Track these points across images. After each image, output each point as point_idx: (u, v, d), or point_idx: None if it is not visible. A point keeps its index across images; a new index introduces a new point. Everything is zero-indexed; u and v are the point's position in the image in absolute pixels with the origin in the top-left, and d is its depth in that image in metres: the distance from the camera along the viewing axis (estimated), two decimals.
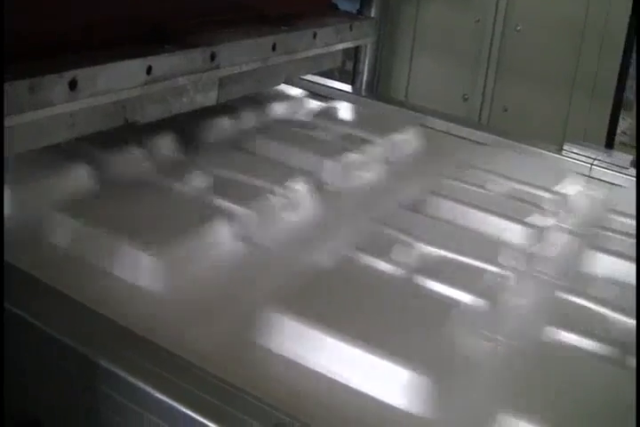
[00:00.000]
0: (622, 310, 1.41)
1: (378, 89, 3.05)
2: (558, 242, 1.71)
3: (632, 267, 1.57)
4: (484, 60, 3.07)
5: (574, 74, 2.93)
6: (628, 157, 2.21)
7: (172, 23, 1.75)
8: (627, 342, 1.32)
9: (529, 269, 1.56)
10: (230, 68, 1.84)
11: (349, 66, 2.83)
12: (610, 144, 2.83)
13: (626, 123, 3.34)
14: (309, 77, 2.58)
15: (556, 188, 1.98)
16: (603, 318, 1.40)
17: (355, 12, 2.69)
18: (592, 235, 1.75)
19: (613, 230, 1.77)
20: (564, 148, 2.24)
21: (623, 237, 1.73)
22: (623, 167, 2.17)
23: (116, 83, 1.49)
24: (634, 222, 1.81)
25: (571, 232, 1.78)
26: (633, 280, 1.53)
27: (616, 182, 2.14)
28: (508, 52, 3.05)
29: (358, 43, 2.56)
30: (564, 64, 2.93)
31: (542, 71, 2.98)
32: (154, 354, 1.12)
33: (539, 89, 3.00)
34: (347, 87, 2.66)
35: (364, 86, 2.75)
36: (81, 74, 1.39)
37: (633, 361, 1.26)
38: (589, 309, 1.42)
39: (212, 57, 1.76)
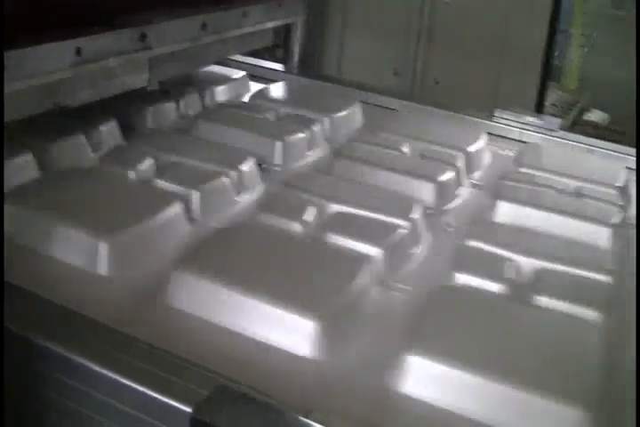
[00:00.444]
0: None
1: (310, 67, 3.07)
2: None
3: (533, 212, 1.68)
4: (415, 33, 3.11)
5: (504, 44, 2.99)
6: (557, 120, 2.29)
7: (102, 4, 1.74)
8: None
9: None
10: (161, 48, 1.85)
11: (280, 54, 2.84)
12: (539, 111, 2.90)
13: (555, 95, 3.42)
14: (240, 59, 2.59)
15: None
16: None
17: None
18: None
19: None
20: (495, 114, 2.30)
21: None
22: (552, 130, 2.24)
23: (46, 65, 1.49)
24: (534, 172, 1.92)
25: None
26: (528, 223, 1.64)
27: (547, 144, 2.21)
28: (437, 24, 3.09)
29: (288, 20, 2.58)
30: (493, 35, 2.98)
31: (472, 42, 3.03)
32: (89, 328, 1.13)
33: (470, 60, 3.04)
34: (279, 66, 2.68)
35: (296, 64, 2.77)
36: (9, 56, 1.39)
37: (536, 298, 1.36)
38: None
39: (142, 37, 1.76)
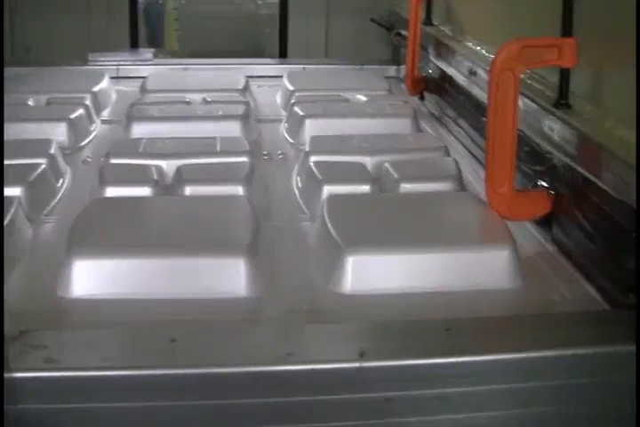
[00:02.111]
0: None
1: None
2: None
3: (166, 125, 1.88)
4: None
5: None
6: (150, 50, 2.44)
7: None
8: None
9: None
10: None
11: None
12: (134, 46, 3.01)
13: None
14: None
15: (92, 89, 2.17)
16: None
17: None
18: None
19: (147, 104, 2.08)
20: (89, 58, 2.38)
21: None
22: (147, 60, 2.40)
23: None
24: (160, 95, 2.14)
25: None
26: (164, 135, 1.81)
27: (143, 75, 2.36)
28: None
29: None
30: None
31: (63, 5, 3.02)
32: None
33: (56, 23, 3.03)
34: None
35: None
36: None
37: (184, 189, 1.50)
38: None
39: None
